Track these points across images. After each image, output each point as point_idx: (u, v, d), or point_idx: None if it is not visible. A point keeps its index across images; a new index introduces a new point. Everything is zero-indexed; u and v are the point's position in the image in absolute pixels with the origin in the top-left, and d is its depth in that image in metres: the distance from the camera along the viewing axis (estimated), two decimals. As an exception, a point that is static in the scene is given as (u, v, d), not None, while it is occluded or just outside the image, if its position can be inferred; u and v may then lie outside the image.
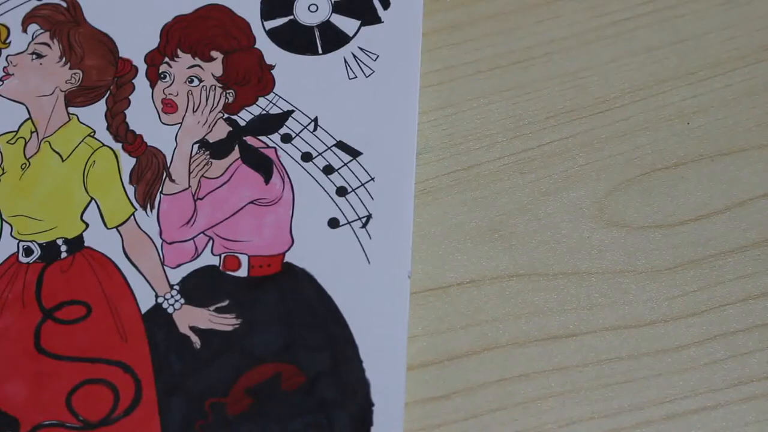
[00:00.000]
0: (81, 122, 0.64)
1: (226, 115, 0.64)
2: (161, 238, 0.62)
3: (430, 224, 0.63)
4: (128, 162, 0.63)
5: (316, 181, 0.62)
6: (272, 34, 0.66)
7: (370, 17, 0.66)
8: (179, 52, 0.65)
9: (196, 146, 0.63)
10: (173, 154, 0.63)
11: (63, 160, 0.64)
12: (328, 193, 0.62)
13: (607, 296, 0.61)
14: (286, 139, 0.63)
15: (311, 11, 0.66)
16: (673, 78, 0.65)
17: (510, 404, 0.59)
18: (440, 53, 0.66)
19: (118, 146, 0.64)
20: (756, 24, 0.66)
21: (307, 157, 0.63)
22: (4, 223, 0.63)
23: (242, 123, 0.64)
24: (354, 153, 0.63)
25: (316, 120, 0.63)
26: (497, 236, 0.63)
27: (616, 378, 0.60)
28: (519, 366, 0.60)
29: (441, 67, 0.66)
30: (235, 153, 0.63)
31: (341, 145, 0.63)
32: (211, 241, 0.62)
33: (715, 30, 0.66)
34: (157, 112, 0.64)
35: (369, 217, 0.61)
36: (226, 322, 0.60)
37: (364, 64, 0.64)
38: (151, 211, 0.62)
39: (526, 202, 0.63)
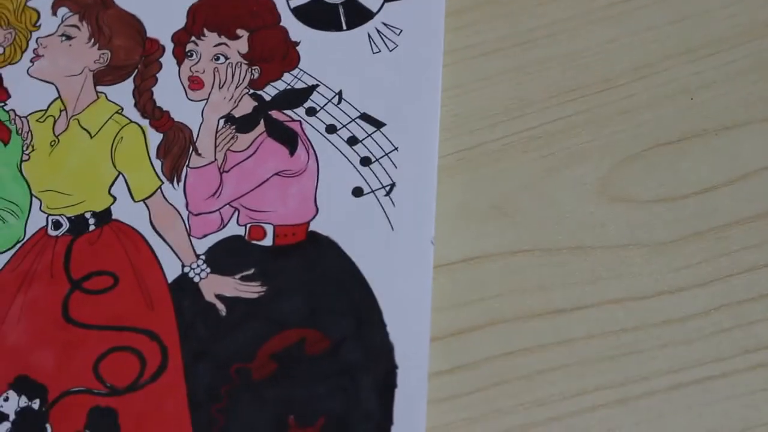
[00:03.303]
0: (109, 100, 0.66)
1: (251, 91, 0.65)
2: (188, 210, 0.63)
3: (436, 203, 0.63)
4: (155, 138, 0.64)
5: (341, 151, 0.63)
6: (297, 11, 0.67)
7: (392, -6, 0.67)
8: (205, 31, 0.66)
9: (221, 121, 0.64)
10: (199, 129, 0.64)
11: (91, 137, 0.65)
12: (352, 163, 0.63)
13: (611, 270, 0.61)
14: (311, 112, 0.64)
15: (335, -10, 0.67)
16: (675, 55, 0.66)
17: (515, 377, 0.59)
18: (445, 37, 0.67)
19: (145, 122, 0.65)
20: (757, 0, 0.67)
21: (331, 129, 0.64)
22: (33, 197, 0.64)
23: (267, 98, 0.65)
24: (378, 124, 0.63)
25: (340, 93, 0.64)
26: (502, 213, 0.63)
27: (621, 350, 0.59)
28: (524, 340, 0.60)
29: (446, 49, 0.66)
30: (261, 127, 0.64)
31: (365, 117, 0.64)
32: (236, 212, 0.62)
33: (716, 8, 0.67)
34: (184, 88, 0.65)
35: (393, 185, 0.62)
36: (252, 290, 0.61)
37: (388, 38, 0.65)
38: (178, 184, 0.63)
39: (531, 180, 0.64)
